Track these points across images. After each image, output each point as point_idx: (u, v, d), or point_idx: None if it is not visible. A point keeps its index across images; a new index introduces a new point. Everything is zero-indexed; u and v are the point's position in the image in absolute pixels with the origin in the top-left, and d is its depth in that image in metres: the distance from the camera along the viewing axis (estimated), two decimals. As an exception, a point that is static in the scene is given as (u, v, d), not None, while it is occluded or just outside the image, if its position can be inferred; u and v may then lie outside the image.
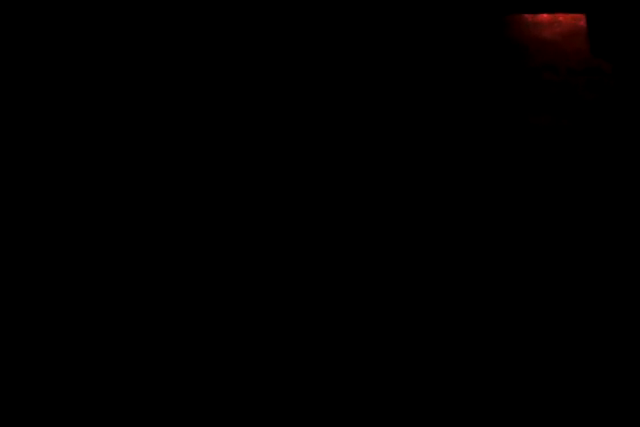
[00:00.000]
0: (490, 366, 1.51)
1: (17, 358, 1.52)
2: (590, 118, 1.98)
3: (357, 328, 1.58)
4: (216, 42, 2.00)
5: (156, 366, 1.52)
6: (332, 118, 1.98)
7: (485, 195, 1.82)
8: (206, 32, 2.00)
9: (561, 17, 1.97)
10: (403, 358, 1.53)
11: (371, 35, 2.00)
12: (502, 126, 1.99)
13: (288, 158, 1.91)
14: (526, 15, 1.98)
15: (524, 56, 2.01)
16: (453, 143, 1.96)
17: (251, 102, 2.00)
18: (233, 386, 1.51)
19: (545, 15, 1.98)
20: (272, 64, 2.01)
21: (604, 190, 1.85)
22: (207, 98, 2.00)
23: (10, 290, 1.64)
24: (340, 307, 1.61)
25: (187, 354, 1.54)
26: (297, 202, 1.82)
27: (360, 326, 1.59)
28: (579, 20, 1.96)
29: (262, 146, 1.94)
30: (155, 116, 1.97)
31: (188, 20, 1.99)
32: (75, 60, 1.96)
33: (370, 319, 1.61)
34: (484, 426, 1.41)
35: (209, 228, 1.77)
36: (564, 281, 1.64)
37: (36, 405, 1.45)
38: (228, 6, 2.00)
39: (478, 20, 1.96)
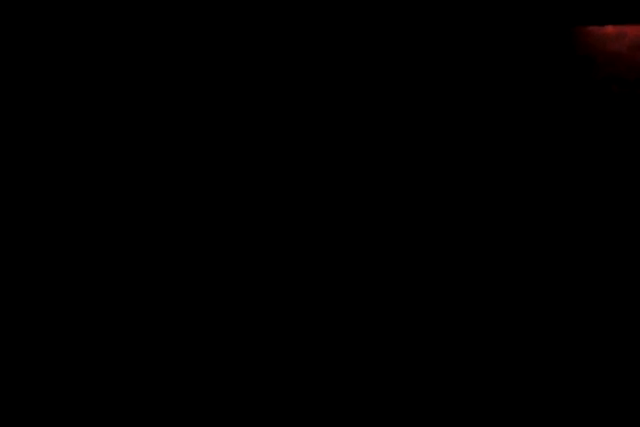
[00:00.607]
0: (490, 366, 1.47)
1: (17, 358, 1.50)
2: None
3: (357, 328, 1.56)
4: (216, 42, 2.01)
5: (155, 366, 1.50)
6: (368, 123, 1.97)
7: (552, 203, 1.81)
8: (206, 32, 2.00)
9: (627, 29, 1.99)
10: (403, 358, 1.50)
11: (431, 44, 2.02)
12: (568, 136, 1.98)
13: (288, 158, 1.89)
14: (593, 27, 2.00)
15: (591, 68, 2.02)
16: (520, 153, 1.95)
17: (250, 102, 1.99)
18: (233, 386, 1.47)
19: (611, 27, 2.00)
20: (276, 63, 2.01)
21: None
22: (207, 98, 1.99)
23: (10, 290, 1.62)
24: (339, 307, 1.59)
25: (187, 354, 1.52)
26: (297, 201, 1.81)
27: (360, 325, 1.57)
28: (646, 31, 1.98)
29: (262, 145, 1.92)
30: (155, 116, 1.95)
31: (188, 20, 1.99)
32: (75, 60, 1.96)
33: (370, 319, 1.58)
34: (484, 426, 1.37)
35: (209, 227, 1.75)
36: (565, 277, 1.62)
37: (36, 405, 1.43)
38: (227, 6, 2.00)
39: (546, 31, 1.98)
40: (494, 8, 2.00)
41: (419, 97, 2.03)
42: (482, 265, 1.65)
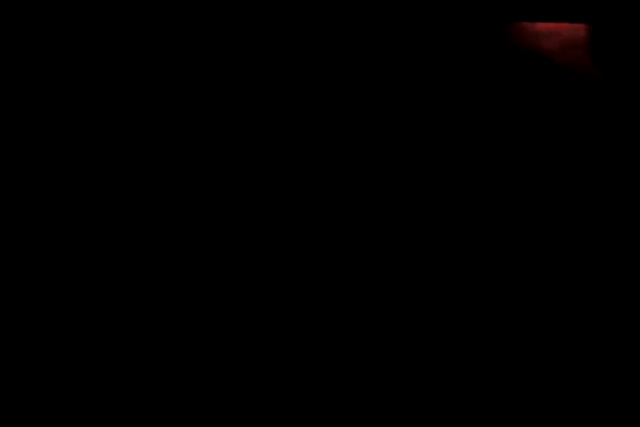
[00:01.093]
0: (490, 366, 1.48)
1: (17, 358, 1.50)
2: (589, 129, 1.96)
3: (357, 328, 1.57)
4: (216, 42, 2.01)
5: (155, 366, 1.50)
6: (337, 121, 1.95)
7: (484, 193, 1.80)
8: (206, 32, 2.00)
9: (561, 27, 1.97)
10: (402, 358, 1.50)
11: (368, 39, 1.99)
12: (499, 132, 1.97)
13: (288, 158, 1.89)
14: (526, 24, 1.97)
15: (524, 65, 2.00)
16: (454, 149, 1.93)
17: (249, 102, 1.99)
18: (233, 386, 1.49)
19: (544, 25, 1.98)
20: (276, 64, 2.01)
21: (595, 198, 1.82)
22: (206, 98, 1.98)
23: (10, 290, 1.61)
24: (339, 307, 1.60)
25: (187, 354, 1.52)
26: (296, 201, 1.81)
27: (360, 325, 1.58)
28: (579, 30, 1.96)
29: (261, 145, 1.93)
30: (154, 116, 1.95)
31: (187, 20, 1.99)
32: (75, 60, 1.95)
33: (370, 319, 1.59)
34: (483, 426, 1.37)
35: (209, 227, 1.75)
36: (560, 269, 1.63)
37: (36, 405, 1.43)
38: (227, 6, 2.00)
39: (479, 27, 1.96)
40: (427, 2, 1.98)
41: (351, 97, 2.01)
42: (478, 264, 1.66)
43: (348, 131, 1.92)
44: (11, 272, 1.64)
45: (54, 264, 1.67)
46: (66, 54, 1.95)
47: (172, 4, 1.97)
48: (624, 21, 1.90)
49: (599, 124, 1.98)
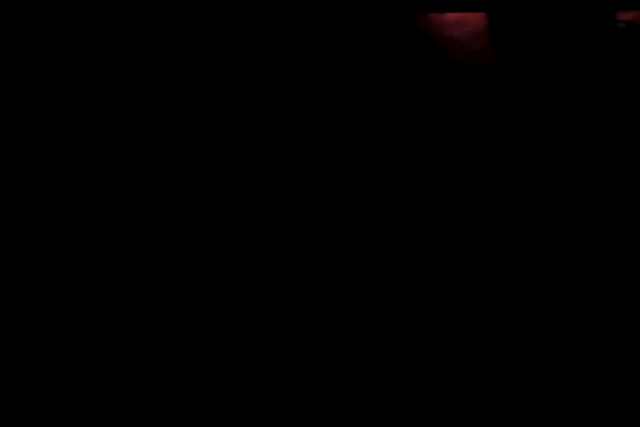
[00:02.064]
0: (490, 366, 1.48)
1: (17, 358, 1.49)
2: (501, 114, 2.02)
3: (357, 328, 1.56)
4: (215, 42, 1.99)
5: (155, 366, 1.48)
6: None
7: (408, 187, 1.82)
8: (206, 32, 1.98)
9: (468, 16, 2.03)
10: (402, 358, 1.49)
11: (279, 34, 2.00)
12: (417, 122, 2.00)
13: (287, 158, 1.89)
14: (435, 15, 2.03)
15: (436, 55, 2.04)
16: (372, 141, 1.95)
17: (249, 103, 1.98)
18: (233, 386, 1.44)
19: (452, 15, 2.03)
20: (276, 64, 2.00)
21: (508, 183, 1.87)
22: (206, 98, 1.97)
23: (9, 290, 1.61)
24: (339, 307, 1.59)
25: (187, 354, 1.51)
26: (296, 201, 1.81)
27: (360, 325, 1.57)
28: (484, 19, 2.02)
29: (260, 146, 1.92)
30: (154, 116, 1.93)
31: (187, 20, 1.96)
32: (75, 60, 1.93)
33: (370, 319, 1.58)
34: (483, 426, 1.36)
35: (209, 227, 1.74)
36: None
37: (36, 405, 1.41)
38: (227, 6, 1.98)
39: (389, 18, 1.99)
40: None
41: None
42: (476, 264, 1.65)
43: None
44: (11, 272, 1.63)
45: (54, 264, 1.65)
46: (66, 54, 1.92)
47: (172, 4, 1.95)
48: (519, 11, 1.97)
49: (511, 107, 2.04)
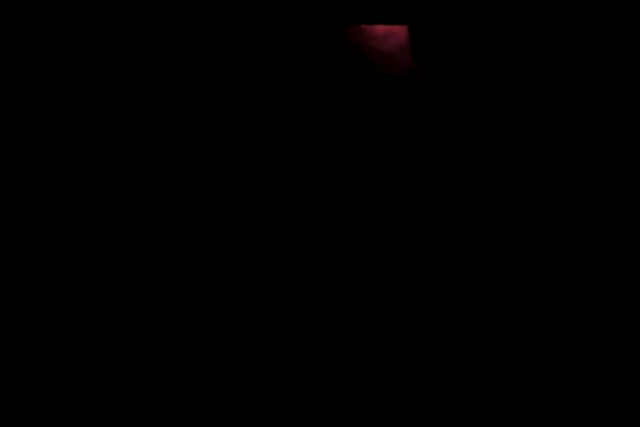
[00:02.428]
0: (490, 366, 1.51)
1: (17, 358, 1.49)
2: (428, 126, 2.08)
3: (357, 328, 1.57)
4: (215, 43, 1.97)
5: (155, 366, 1.49)
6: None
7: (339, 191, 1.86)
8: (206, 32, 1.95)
9: (396, 29, 2.06)
10: (402, 358, 1.51)
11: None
12: (344, 133, 2.04)
13: (286, 158, 1.89)
14: (364, 26, 2.05)
15: (363, 67, 2.08)
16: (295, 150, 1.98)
17: (248, 103, 1.97)
18: (233, 386, 1.45)
19: (381, 27, 2.06)
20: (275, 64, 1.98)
21: (440, 194, 1.92)
22: (205, 99, 1.96)
23: (10, 290, 1.59)
24: (339, 307, 1.60)
25: (187, 354, 1.51)
26: (295, 201, 1.81)
27: (360, 325, 1.58)
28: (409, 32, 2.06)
29: (260, 146, 1.92)
30: (154, 116, 1.92)
31: (187, 20, 1.93)
32: (74, 60, 1.90)
33: (369, 319, 1.60)
34: (483, 426, 1.40)
35: (208, 227, 1.74)
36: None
37: (36, 405, 1.42)
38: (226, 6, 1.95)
39: (320, 30, 2.01)
40: (268, 4, 2.00)
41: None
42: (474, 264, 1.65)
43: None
44: (11, 272, 1.62)
45: (55, 264, 1.65)
46: (66, 55, 1.89)
47: (172, 4, 1.92)
48: (441, 24, 2.01)
49: (438, 119, 2.10)
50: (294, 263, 1.68)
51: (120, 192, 1.81)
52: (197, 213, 1.78)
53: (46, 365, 1.54)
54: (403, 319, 1.60)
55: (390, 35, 2.06)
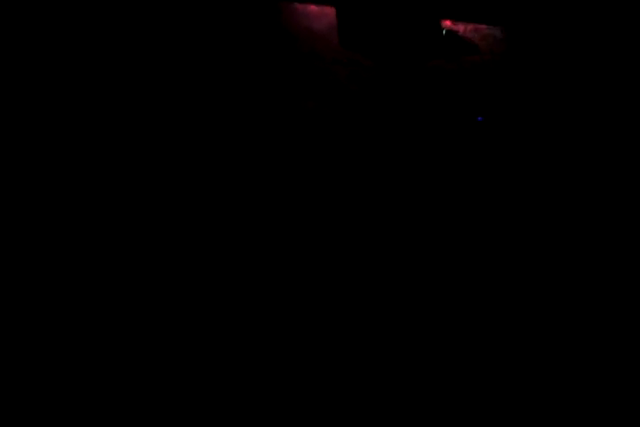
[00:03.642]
0: (490, 367, 1.49)
1: (17, 358, 1.49)
2: (350, 107, 2.11)
3: (357, 328, 1.57)
4: (215, 42, 2.02)
5: (155, 366, 1.49)
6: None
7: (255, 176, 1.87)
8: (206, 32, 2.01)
9: (328, 9, 2.14)
10: (402, 358, 1.51)
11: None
12: (271, 110, 2.08)
13: (286, 159, 1.92)
14: (298, 5, 2.13)
15: (295, 43, 2.14)
16: (231, 127, 2.01)
17: (248, 104, 2.01)
18: (233, 386, 1.45)
19: (313, 6, 2.14)
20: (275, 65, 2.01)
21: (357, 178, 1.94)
22: (205, 99, 1.99)
23: (10, 290, 1.60)
24: (339, 307, 1.60)
25: (187, 354, 1.51)
26: (293, 201, 1.83)
27: (359, 326, 1.58)
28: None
29: (260, 146, 1.95)
30: (154, 116, 1.95)
31: (187, 20, 1.99)
32: (74, 60, 1.94)
33: (369, 319, 1.60)
34: (483, 426, 1.38)
35: (208, 228, 1.76)
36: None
37: (36, 405, 1.42)
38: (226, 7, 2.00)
39: (255, 6, 2.08)
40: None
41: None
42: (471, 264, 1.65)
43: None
44: (11, 272, 1.63)
45: (55, 264, 1.66)
46: (66, 55, 1.92)
47: (173, 4, 1.97)
48: (362, 8, 2.07)
49: (362, 101, 2.12)
50: (294, 263, 1.69)
51: (120, 192, 1.82)
52: (197, 213, 1.80)
53: (46, 365, 1.51)
54: (402, 319, 1.59)
55: (323, 14, 2.14)
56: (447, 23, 2.12)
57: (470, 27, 2.16)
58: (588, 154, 1.98)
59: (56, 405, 1.41)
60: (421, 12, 2.02)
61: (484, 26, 2.21)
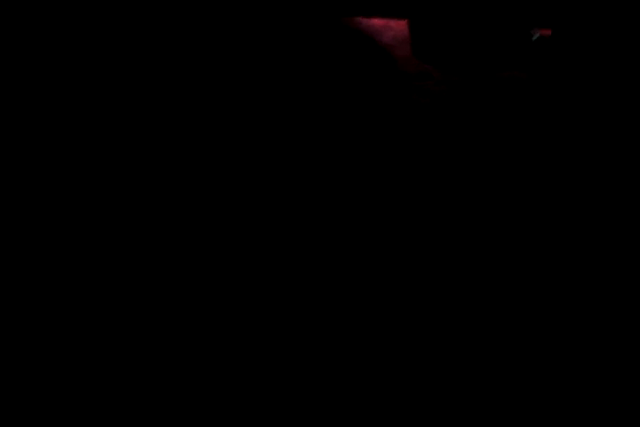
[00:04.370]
0: (489, 367, 1.47)
1: (17, 358, 1.49)
2: (423, 123, 2.04)
3: (357, 328, 1.56)
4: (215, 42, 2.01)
5: (156, 367, 1.49)
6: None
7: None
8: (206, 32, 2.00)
9: (392, 23, 2.06)
10: (402, 358, 1.49)
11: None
12: (336, 126, 2.02)
13: (284, 159, 1.90)
14: (361, 18, 2.06)
15: (364, 58, 2.07)
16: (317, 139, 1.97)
17: (248, 103, 1.99)
18: (233, 386, 1.44)
19: (377, 20, 2.07)
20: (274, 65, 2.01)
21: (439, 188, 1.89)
22: (205, 99, 1.98)
23: (10, 290, 1.60)
24: (338, 307, 1.57)
25: (187, 354, 1.51)
26: (292, 201, 1.81)
27: (359, 326, 1.57)
28: (407, 26, 2.06)
29: (259, 146, 1.92)
30: (154, 116, 1.94)
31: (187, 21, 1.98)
32: (74, 60, 1.94)
33: (368, 319, 1.58)
34: (483, 426, 1.36)
35: (208, 228, 1.75)
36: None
37: (36, 405, 1.42)
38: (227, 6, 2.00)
39: (316, 21, 2.02)
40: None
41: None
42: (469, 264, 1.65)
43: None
44: (10, 272, 1.62)
45: (54, 264, 1.65)
46: (66, 55, 1.92)
47: (172, 4, 1.96)
48: (440, 18, 2.01)
49: (434, 116, 2.07)
50: (294, 263, 1.66)
51: (120, 192, 1.81)
52: (197, 213, 1.78)
53: (46, 365, 1.49)
54: (402, 319, 1.56)
55: (387, 28, 2.06)
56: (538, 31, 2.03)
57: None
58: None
59: (56, 404, 1.38)
60: (509, 20, 1.94)
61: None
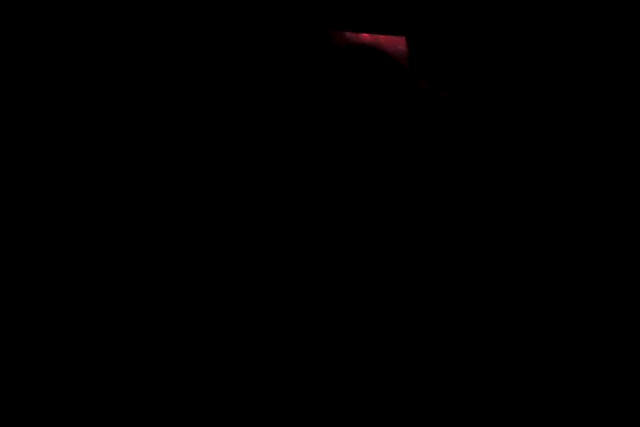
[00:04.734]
0: (489, 367, 1.47)
1: (16, 358, 1.49)
2: (418, 139, 2.03)
3: (356, 328, 1.53)
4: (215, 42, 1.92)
5: (155, 367, 1.49)
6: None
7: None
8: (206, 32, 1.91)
9: (382, 39, 2.01)
10: (402, 358, 1.48)
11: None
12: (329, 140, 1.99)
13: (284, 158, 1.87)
14: (349, 34, 1.99)
15: (350, 74, 2.02)
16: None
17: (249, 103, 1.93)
18: (233, 386, 1.45)
19: (367, 35, 2.00)
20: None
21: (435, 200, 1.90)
22: (204, 99, 1.92)
23: (9, 290, 1.60)
24: (338, 307, 1.57)
25: (187, 354, 1.51)
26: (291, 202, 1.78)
27: (359, 326, 1.54)
28: (398, 43, 2.01)
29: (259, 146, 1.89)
30: (154, 116, 1.89)
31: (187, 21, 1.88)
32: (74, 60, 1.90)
33: (368, 320, 1.56)
34: (483, 426, 1.37)
35: (208, 228, 1.74)
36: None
37: (36, 405, 1.41)
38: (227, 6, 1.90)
39: (302, 35, 1.95)
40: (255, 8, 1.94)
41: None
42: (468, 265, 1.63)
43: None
44: (10, 272, 1.61)
45: (54, 264, 1.64)
46: (66, 55, 1.87)
47: (172, 4, 1.89)
48: (438, 34, 1.97)
49: (429, 133, 2.06)
50: (294, 263, 1.64)
51: (120, 192, 1.80)
52: (197, 213, 1.77)
53: (46, 365, 1.51)
54: (402, 320, 1.59)
55: (376, 44, 2.01)
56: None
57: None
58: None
59: (56, 404, 1.40)
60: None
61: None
